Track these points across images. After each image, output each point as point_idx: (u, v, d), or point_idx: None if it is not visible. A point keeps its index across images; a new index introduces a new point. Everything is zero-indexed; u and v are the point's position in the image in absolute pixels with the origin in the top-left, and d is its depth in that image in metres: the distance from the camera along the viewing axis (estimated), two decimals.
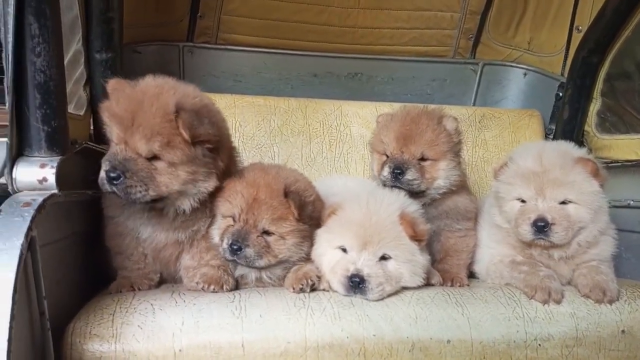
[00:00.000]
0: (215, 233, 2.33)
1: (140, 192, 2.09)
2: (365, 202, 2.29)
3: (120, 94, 2.15)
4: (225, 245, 2.22)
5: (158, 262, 2.41)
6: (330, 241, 2.30)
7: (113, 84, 2.19)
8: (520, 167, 2.43)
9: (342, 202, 2.33)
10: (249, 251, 2.20)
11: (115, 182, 2.07)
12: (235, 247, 2.20)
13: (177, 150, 2.12)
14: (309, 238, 2.34)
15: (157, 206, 2.23)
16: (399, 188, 2.48)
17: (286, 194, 2.23)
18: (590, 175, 2.36)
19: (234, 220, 2.26)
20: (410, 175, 2.49)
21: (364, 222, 2.23)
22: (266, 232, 2.24)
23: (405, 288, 2.27)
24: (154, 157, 2.12)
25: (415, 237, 2.25)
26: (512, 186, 2.44)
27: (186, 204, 2.24)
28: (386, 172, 2.52)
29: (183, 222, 2.31)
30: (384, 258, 2.23)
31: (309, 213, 2.30)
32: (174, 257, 2.40)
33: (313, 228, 2.36)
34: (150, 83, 2.21)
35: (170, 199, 2.21)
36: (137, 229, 2.34)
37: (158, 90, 2.15)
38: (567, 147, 2.53)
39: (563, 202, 2.36)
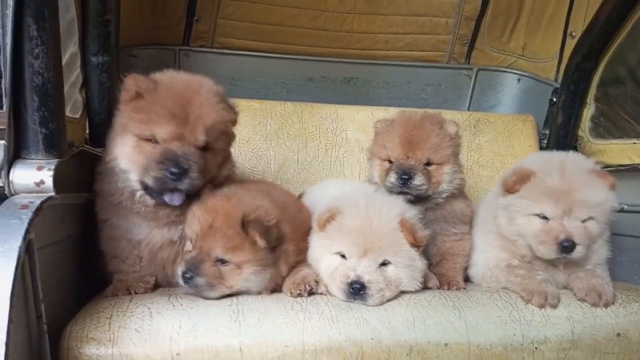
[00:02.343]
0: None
1: (199, 182, 2.16)
2: (364, 208, 2.27)
3: (155, 92, 2.17)
4: (179, 272, 2.16)
5: (154, 264, 2.40)
6: (328, 247, 2.29)
7: (132, 82, 2.18)
8: (547, 184, 2.36)
9: (340, 207, 2.31)
10: (199, 280, 2.10)
11: (183, 178, 2.10)
12: (187, 275, 2.12)
13: (225, 137, 2.29)
14: (272, 264, 2.23)
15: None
16: (407, 194, 2.49)
17: (244, 223, 2.13)
18: (611, 191, 2.38)
19: (192, 246, 2.20)
20: (418, 180, 2.49)
21: (364, 229, 2.21)
22: (221, 261, 2.14)
23: (402, 292, 2.27)
24: (204, 148, 2.19)
25: (414, 244, 2.25)
26: (535, 202, 2.37)
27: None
28: (393, 178, 2.51)
29: (177, 217, 2.30)
30: (383, 264, 2.22)
31: (273, 237, 2.19)
32: (171, 259, 2.39)
33: (277, 254, 2.26)
34: (173, 77, 2.28)
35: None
36: (131, 230, 2.33)
37: (195, 83, 2.25)
38: (583, 161, 2.50)
39: (584, 220, 2.36)
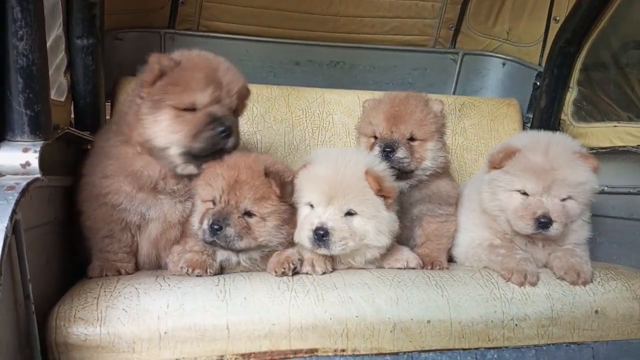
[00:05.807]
0: (196, 219, 2.33)
1: (238, 142, 2.41)
2: (334, 159, 2.33)
3: (180, 66, 2.25)
4: (205, 226, 2.22)
5: (156, 246, 2.44)
6: (299, 198, 2.36)
7: (155, 61, 2.24)
8: (530, 161, 2.41)
9: (312, 159, 2.39)
10: (230, 231, 2.20)
11: (230, 136, 2.28)
12: (215, 227, 2.20)
13: (244, 104, 2.52)
14: (289, 221, 2.36)
15: None
16: (390, 167, 2.50)
17: (267, 174, 2.27)
18: (593, 173, 2.43)
19: (214, 203, 2.27)
20: (400, 153, 2.52)
21: (330, 178, 2.28)
22: (247, 214, 2.25)
23: (386, 270, 2.34)
24: (234, 111, 2.39)
25: (381, 193, 2.28)
26: (517, 178, 2.43)
27: None
28: (376, 151, 2.54)
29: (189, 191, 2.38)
30: (349, 214, 2.27)
31: (290, 192, 2.34)
32: (173, 241, 2.44)
33: (293, 211, 2.38)
34: (187, 53, 2.35)
35: None
36: (145, 213, 2.36)
37: (211, 55, 2.38)
38: (570, 142, 2.56)
39: (564, 199, 2.41)
